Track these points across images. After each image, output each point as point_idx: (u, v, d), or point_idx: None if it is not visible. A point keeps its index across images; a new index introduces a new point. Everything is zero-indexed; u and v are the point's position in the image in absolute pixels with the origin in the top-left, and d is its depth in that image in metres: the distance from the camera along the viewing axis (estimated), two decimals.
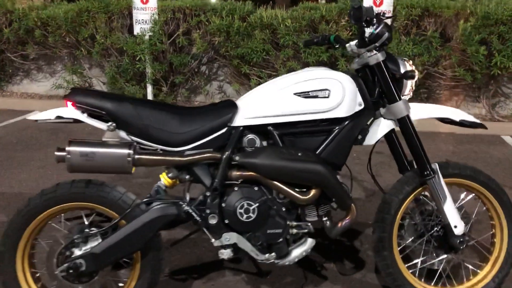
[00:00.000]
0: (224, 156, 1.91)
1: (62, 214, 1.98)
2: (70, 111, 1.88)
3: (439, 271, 2.22)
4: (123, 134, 1.89)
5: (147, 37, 5.55)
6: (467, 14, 5.19)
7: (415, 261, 2.20)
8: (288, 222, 1.99)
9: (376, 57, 2.00)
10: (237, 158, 1.89)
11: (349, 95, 1.97)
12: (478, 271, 2.27)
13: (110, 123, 1.86)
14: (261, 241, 1.96)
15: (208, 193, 1.92)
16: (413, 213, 2.21)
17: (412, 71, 2.01)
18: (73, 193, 1.89)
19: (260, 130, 1.98)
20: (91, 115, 1.90)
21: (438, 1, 5.24)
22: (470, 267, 2.33)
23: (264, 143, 2.00)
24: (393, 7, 5.15)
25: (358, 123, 2.02)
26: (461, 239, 2.07)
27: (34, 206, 1.89)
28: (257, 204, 1.91)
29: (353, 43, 2.07)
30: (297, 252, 2.02)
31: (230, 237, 1.93)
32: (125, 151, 1.84)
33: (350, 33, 5.24)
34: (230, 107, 1.96)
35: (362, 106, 2.02)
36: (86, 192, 1.90)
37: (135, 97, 1.98)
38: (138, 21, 5.53)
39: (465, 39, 5.08)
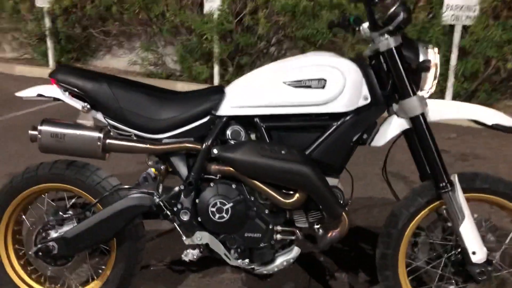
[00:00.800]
0: (202, 148, 1.73)
1: (46, 194, 1.95)
2: (51, 89, 1.82)
3: None
4: (99, 116, 1.80)
5: (215, 15, 5.47)
6: None
7: (427, 287, 1.87)
8: (271, 227, 1.77)
9: (387, 42, 1.67)
10: (215, 151, 1.71)
11: (351, 86, 1.68)
12: None
13: (85, 104, 1.77)
14: (237, 244, 1.77)
15: (182, 187, 1.76)
16: (432, 230, 1.87)
17: (427, 61, 1.66)
18: (52, 174, 1.84)
19: (246, 121, 1.77)
20: (73, 94, 1.82)
21: None
22: None
23: (253, 137, 1.79)
24: None
25: (361, 120, 1.72)
26: (482, 269, 1.70)
27: (15, 184, 1.87)
28: (231, 204, 1.72)
29: (366, 25, 1.76)
30: (279, 260, 1.80)
31: (202, 237, 1.77)
32: (96, 134, 1.74)
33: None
34: (216, 93, 1.77)
35: (368, 101, 1.71)
36: (65, 174, 1.84)
37: (118, 77, 1.86)
38: None
39: None
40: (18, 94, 1.88)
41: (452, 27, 4.75)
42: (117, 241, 1.87)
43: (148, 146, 1.76)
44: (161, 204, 1.75)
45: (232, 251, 1.78)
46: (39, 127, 1.75)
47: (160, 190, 1.78)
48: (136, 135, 1.79)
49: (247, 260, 1.77)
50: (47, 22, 6.64)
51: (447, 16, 4.64)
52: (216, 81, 5.78)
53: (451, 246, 1.81)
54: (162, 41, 6.39)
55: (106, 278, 1.90)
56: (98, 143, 1.74)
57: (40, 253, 1.81)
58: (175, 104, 1.78)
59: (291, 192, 1.72)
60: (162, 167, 1.80)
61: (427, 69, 1.66)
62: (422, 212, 1.79)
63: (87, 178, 1.84)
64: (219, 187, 1.74)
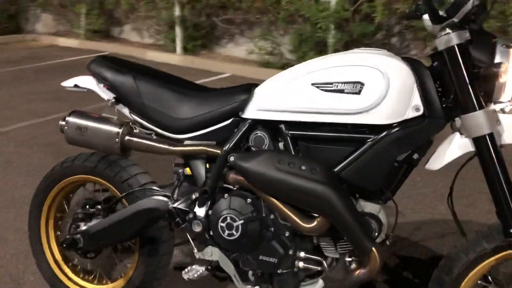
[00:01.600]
0: (221, 153, 1.55)
1: (85, 185, 1.94)
2: (87, 80, 1.79)
3: None
4: (126, 111, 1.72)
5: (333, 2, 5.16)
6: None
7: None
8: (291, 252, 1.51)
9: (446, 38, 1.30)
10: (231, 158, 1.51)
11: (396, 93, 1.34)
12: None
13: (111, 97, 1.70)
14: (251, 267, 1.55)
15: (197, 194, 1.59)
16: (504, 282, 1.45)
17: (499, 64, 1.24)
18: (85, 166, 1.82)
19: (272, 127, 1.53)
20: (107, 86, 1.76)
21: None
22: None
23: (280, 146, 1.54)
24: None
25: (410, 136, 1.37)
26: None
27: (55, 173, 1.89)
28: (241, 221, 1.50)
29: (427, 16, 1.38)
30: None
31: (213, 253, 1.58)
32: (115, 130, 1.66)
33: None
34: (243, 93, 1.56)
35: (420, 112, 1.35)
36: (96, 167, 1.80)
37: (151, 69, 1.76)
38: None
39: None
40: (63, 83, 1.89)
41: None
42: (140, 242, 1.79)
43: (166, 146, 1.63)
44: (173, 211, 1.60)
45: (250, 273, 1.57)
46: (67, 118, 1.73)
47: (175, 195, 1.64)
48: (157, 133, 1.67)
49: (258, 287, 1.55)
50: (177, 10, 6.95)
51: None
52: None
53: None
54: (281, 30, 6.26)
55: (129, 277, 1.84)
56: (116, 139, 1.65)
57: (66, 245, 1.81)
58: (199, 103, 1.61)
59: (313, 215, 1.44)
60: (180, 170, 1.66)
61: (498, 75, 1.24)
62: (487, 261, 1.38)
63: (116, 173, 1.78)
64: (232, 200, 1.53)
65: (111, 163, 1.80)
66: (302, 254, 1.52)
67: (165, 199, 1.64)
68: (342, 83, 1.38)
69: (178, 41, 7.07)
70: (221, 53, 7.22)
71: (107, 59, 1.78)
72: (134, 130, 1.70)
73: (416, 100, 1.35)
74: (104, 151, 1.72)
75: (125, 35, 8.45)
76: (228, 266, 1.57)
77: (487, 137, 1.28)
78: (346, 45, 5.37)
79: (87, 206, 1.83)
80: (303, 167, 1.40)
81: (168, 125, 1.64)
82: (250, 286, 1.56)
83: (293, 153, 1.48)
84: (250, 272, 1.57)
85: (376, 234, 1.44)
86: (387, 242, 1.52)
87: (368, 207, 1.48)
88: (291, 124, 1.48)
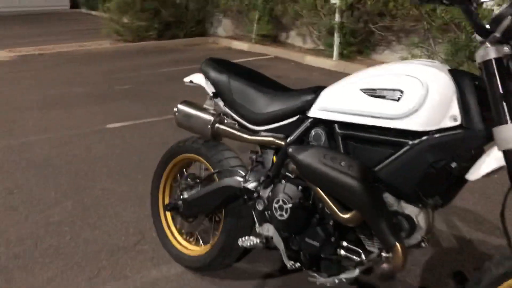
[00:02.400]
0: (284, 144, 1.79)
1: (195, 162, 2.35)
2: (198, 77, 2.19)
3: None
4: (220, 103, 2.07)
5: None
6: None
7: None
8: (333, 239, 1.69)
9: (483, 52, 1.34)
10: (290, 149, 1.74)
11: (434, 102, 1.43)
12: None
13: (211, 92, 2.07)
14: (296, 247, 1.76)
15: (263, 178, 1.86)
16: None
17: None
18: (193, 147, 2.23)
19: (329, 126, 1.72)
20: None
21: None
22: None
23: (334, 144, 1.72)
24: None
25: (444, 144, 1.44)
26: None
27: (172, 150, 2.35)
28: (290, 205, 1.72)
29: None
30: (343, 276, 1.69)
31: (269, 229, 1.83)
32: (209, 118, 2.02)
33: None
34: (311, 94, 1.78)
35: (458, 122, 1.42)
36: (201, 148, 2.20)
37: (245, 69, 2.07)
38: None
39: None
40: (184, 79, 2.32)
41: None
42: (225, 215, 2.13)
43: (245, 135, 1.94)
44: (243, 189, 1.90)
45: (300, 254, 1.78)
46: (178, 106, 2.16)
47: (248, 177, 1.93)
48: (240, 124, 1.99)
49: (298, 264, 1.75)
50: (337, 17, 7.21)
51: None
52: None
53: None
54: (439, 38, 6.05)
55: (214, 244, 2.20)
56: (209, 126, 2.02)
57: (170, 208, 2.24)
58: (275, 100, 1.88)
59: (349, 208, 1.59)
60: (254, 157, 1.95)
61: None
62: None
63: (213, 155, 2.15)
64: (287, 186, 1.76)
65: (212, 147, 2.17)
66: (344, 243, 1.69)
67: (240, 179, 1.95)
68: (383, 89, 1.51)
69: (335, 46, 7.32)
70: (376, 59, 7.25)
71: (214, 60, 2.16)
72: (225, 120, 2.04)
73: (454, 110, 1.41)
74: (200, 134, 2.10)
75: (291, 40, 9.01)
76: (279, 243, 1.81)
77: None
78: None
79: (189, 179, 2.24)
80: (343, 163, 1.57)
81: (249, 118, 1.94)
82: (297, 264, 1.78)
83: (341, 151, 1.65)
84: (300, 253, 1.79)
85: (407, 233, 1.53)
86: (423, 245, 1.58)
87: (408, 208, 1.57)
88: (342, 125, 1.65)
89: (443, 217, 2.79)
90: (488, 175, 1.40)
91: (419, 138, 1.47)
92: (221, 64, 2.11)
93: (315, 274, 1.74)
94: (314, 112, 1.74)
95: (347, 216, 1.59)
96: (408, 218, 1.54)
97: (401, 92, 1.48)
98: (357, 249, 1.66)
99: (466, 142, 1.42)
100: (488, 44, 1.33)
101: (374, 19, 6.78)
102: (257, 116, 1.91)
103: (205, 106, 2.12)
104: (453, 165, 1.47)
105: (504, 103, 1.31)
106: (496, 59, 1.32)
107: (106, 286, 2.24)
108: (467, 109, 1.41)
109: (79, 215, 2.91)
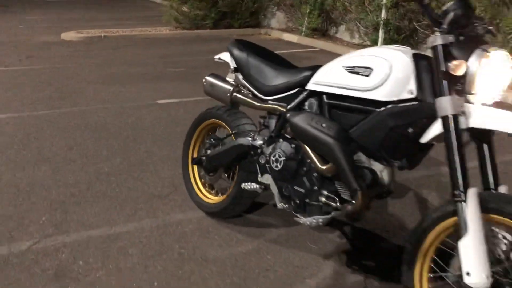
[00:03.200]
0: (284, 111, 2.21)
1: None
2: (225, 55, 2.63)
3: None
4: (240, 77, 2.50)
5: None
6: None
7: None
8: (316, 188, 2.09)
9: (434, 39, 1.68)
10: (288, 115, 2.15)
11: (396, 78, 1.80)
12: None
13: (233, 67, 2.51)
14: (287, 193, 2.17)
15: (266, 138, 2.29)
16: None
17: (457, 64, 1.57)
18: (217, 113, 2.69)
19: (320, 97, 2.11)
20: None
21: None
22: None
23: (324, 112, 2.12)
24: None
25: (402, 112, 1.80)
26: None
27: (201, 115, 2.81)
28: (284, 158, 2.14)
29: None
30: (311, 217, 2.09)
31: (268, 178, 2.26)
32: (228, 88, 2.47)
33: None
34: (310, 71, 2.18)
35: (413, 95, 1.78)
36: (223, 115, 2.65)
37: (262, 49, 2.47)
38: None
39: None
40: (215, 56, 2.78)
41: None
42: (239, 169, 2.57)
43: (255, 103, 2.37)
44: (251, 146, 2.34)
45: (289, 198, 2.20)
46: (206, 77, 2.61)
47: (256, 137, 2.36)
48: (254, 94, 2.41)
49: (286, 205, 2.17)
50: (383, 14, 7.43)
51: None
52: None
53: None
54: None
55: (228, 194, 2.65)
56: (228, 94, 2.46)
57: (195, 162, 2.71)
58: (281, 76, 2.29)
59: (327, 161, 1.99)
60: (262, 120, 2.38)
61: (448, 70, 1.60)
62: (448, 221, 1.71)
63: (233, 120, 2.59)
64: (283, 144, 2.18)
65: (233, 113, 2.62)
66: (324, 192, 2.08)
67: (250, 139, 2.38)
68: (358, 67, 1.89)
69: (379, 42, 7.55)
70: None
71: (238, 41, 2.59)
72: (241, 90, 2.48)
73: (411, 85, 1.77)
74: (222, 102, 2.55)
75: (339, 34, 9.28)
76: (274, 189, 2.24)
77: (451, 118, 1.63)
78: None
79: (212, 139, 2.70)
80: (324, 125, 1.96)
81: (261, 89, 2.37)
82: (286, 205, 2.20)
83: (327, 116, 2.05)
84: (290, 198, 2.20)
85: (370, 184, 1.90)
86: (384, 195, 1.96)
87: (375, 166, 1.95)
88: (329, 95, 2.05)
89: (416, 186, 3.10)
90: (437, 139, 1.75)
91: (384, 107, 1.84)
92: (243, 44, 2.54)
93: (300, 216, 2.15)
94: (310, 85, 2.13)
95: (324, 167, 1.99)
96: (373, 172, 1.92)
97: (371, 69, 1.85)
98: (334, 197, 2.06)
99: (420, 111, 1.77)
100: (437, 33, 1.68)
101: (418, 17, 6.96)
102: (266, 88, 2.33)
103: (227, 78, 2.56)
104: (410, 130, 1.82)
105: (444, 80, 1.65)
106: (443, 45, 1.67)
107: (140, 222, 2.75)
108: (421, 84, 1.76)
109: (125, 169, 3.45)
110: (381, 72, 1.82)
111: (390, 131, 1.84)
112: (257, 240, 2.56)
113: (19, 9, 14.10)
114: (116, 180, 3.28)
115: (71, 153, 3.75)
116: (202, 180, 2.89)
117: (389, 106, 1.82)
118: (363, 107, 1.91)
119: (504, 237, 1.64)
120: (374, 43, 7.72)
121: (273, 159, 2.21)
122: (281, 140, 2.22)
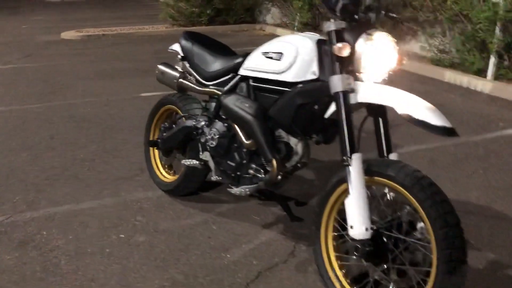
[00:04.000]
0: (219, 94, 2.46)
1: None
2: (175, 46, 2.89)
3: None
4: (187, 65, 2.76)
5: (501, 2, 5.14)
6: None
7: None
8: (244, 162, 2.34)
9: (328, 25, 1.92)
10: (221, 98, 2.40)
11: (301, 61, 2.03)
12: None
13: (181, 56, 2.77)
14: (222, 167, 2.43)
15: (206, 119, 2.54)
16: None
17: (340, 47, 1.81)
18: (171, 99, 2.95)
19: (247, 81, 2.36)
20: None
21: None
22: None
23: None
24: None
25: (308, 91, 2.04)
26: (357, 245, 1.78)
27: (159, 102, 3.07)
28: (218, 136, 2.39)
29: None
30: (241, 188, 2.34)
31: (206, 156, 2.51)
32: (176, 75, 2.73)
33: None
34: (240, 58, 2.43)
35: (316, 76, 2.01)
36: (177, 101, 2.90)
37: (206, 38, 2.74)
38: None
39: None
40: (168, 48, 3.03)
41: None
42: (188, 149, 2.82)
43: (198, 88, 2.63)
44: (193, 127, 2.59)
45: (226, 172, 2.45)
46: (158, 65, 2.87)
47: (199, 119, 2.61)
48: (197, 80, 2.67)
49: (221, 178, 2.43)
50: None
51: None
52: (490, 73, 5.44)
53: None
54: (457, 28, 6.33)
55: (181, 173, 2.90)
56: (175, 80, 2.72)
57: (150, 145, 2.98)
58: (219, 62, 2.54)
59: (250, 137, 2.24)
60: (204, 104, 2.63)
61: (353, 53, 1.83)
62: (344, 184, 1.94)
63: (184, 105, 2.84)
64: (218, 123, 2.44)
65: (184, 99, 2.87)
66: (252, 165, 2.33)
67: (194, 121, 2.64)
68: (272, 52, 2.13)
69: None
70: (401, 48, 7.59)
71: (187, 33, 2.85)
72: (187, 77, 2.73)
73: (314, 67, 2.01)
74: (171, 88, 2.81)
75: None
76: (211, 164, 2.50)
77: (341, 94, 1.87)
78: (509, 47, 5.26)
79: (166, 123, 2.96)
80: (246, 105, 2.21)
81: (203, 75, 2.62)
82: (220, 178, 2.45)
83: (251, 98, 2.29)
84: (216, 168, 2.45)
85: (285, 156, 2.15)
86: (299, 165, 2.20)
87: (291, 140, 2.19)
88: (253, 79, 2.29)
89: None
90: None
91: (293, 87, 2.08)
92: (190, 35, 2.80)
93: (232, 186, 2.41)
94: (241, 71, 2.38)
95: (248, 142, 2.24)
96: (287, 145, 2.16)
97: (282, 54, 2.09)
98: (260, 169, 2.30)
99: (321, 90, 2.01)
100: (331, 20, 1.91)
101: (399, 9, 7.12)
102: (207, 74, 2.59)
103: (176, 66, 2.82)
104: (316, 107, 2.06)
105: (336, 62, 1.89)
106: (336, 31, 1.90)
107: (103, 200, 3.02)
108: (322, 67, 1.99)
109: (99, 155, 3.74)
110: (290, 56, 2.06)
111: (299, 108, 2.08)
112: (207, 214, 2.82)
113: (27, 9, 14.55)
114: (89, 165, 3.56)
115: (52, 141, 4.05)
116: (162, 162, 3.15)
117: (297, 86, 2.06)
118: (278, 88, 2.15)
119: (386, 196, 1.87)
120: None
121: (209, 137, 2.46)
122: (217, 120, 2.47)
